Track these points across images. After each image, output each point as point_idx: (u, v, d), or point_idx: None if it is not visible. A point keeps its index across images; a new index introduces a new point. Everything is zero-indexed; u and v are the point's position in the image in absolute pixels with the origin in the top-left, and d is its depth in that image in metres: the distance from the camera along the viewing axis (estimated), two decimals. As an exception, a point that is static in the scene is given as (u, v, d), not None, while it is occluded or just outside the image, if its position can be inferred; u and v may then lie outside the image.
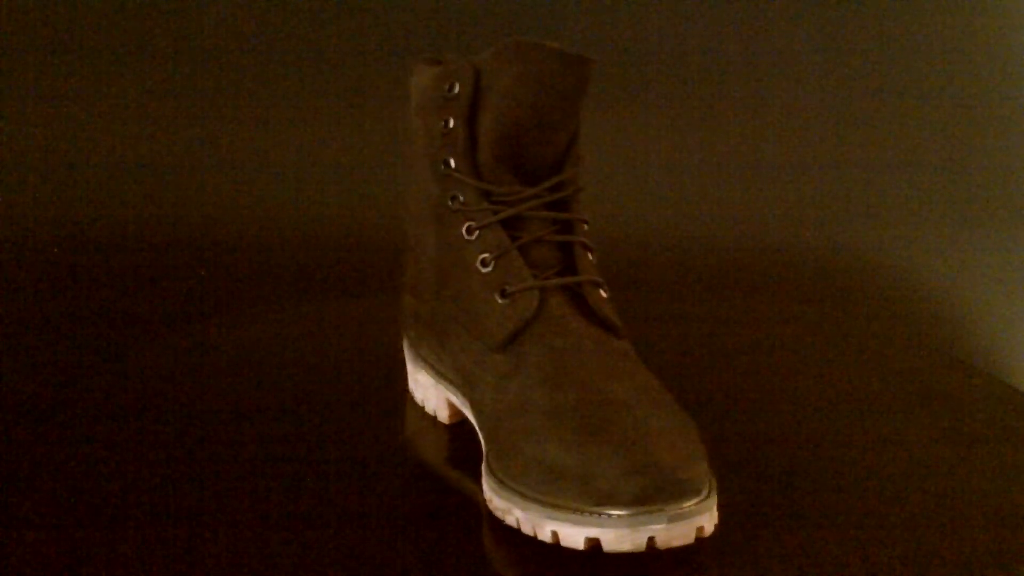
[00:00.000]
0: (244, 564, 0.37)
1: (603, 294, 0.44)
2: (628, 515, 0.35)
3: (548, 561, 0.37)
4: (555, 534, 0.36)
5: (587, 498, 0.35)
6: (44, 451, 0.47)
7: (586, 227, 0.45)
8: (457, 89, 0.44)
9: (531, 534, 0.37)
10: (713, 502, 0.36)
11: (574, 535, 0.35)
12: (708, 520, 0.36)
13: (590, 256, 0.45)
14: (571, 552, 0.36)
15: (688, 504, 0.35)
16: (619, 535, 0.35)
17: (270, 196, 0.92)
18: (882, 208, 0.95)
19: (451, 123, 0.45)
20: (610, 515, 0.35)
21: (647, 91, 0.93)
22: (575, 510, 0.36)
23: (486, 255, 0.44)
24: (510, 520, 0.38)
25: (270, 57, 0.91)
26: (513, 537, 0.38)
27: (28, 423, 0.51)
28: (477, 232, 0.44)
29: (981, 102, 0.94)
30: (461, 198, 0.45)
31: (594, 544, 0.35)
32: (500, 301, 0.43)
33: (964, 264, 0.96)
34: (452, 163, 0.45)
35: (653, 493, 0.35)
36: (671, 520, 0.34)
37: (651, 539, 0.34)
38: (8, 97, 0.89)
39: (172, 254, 0.89)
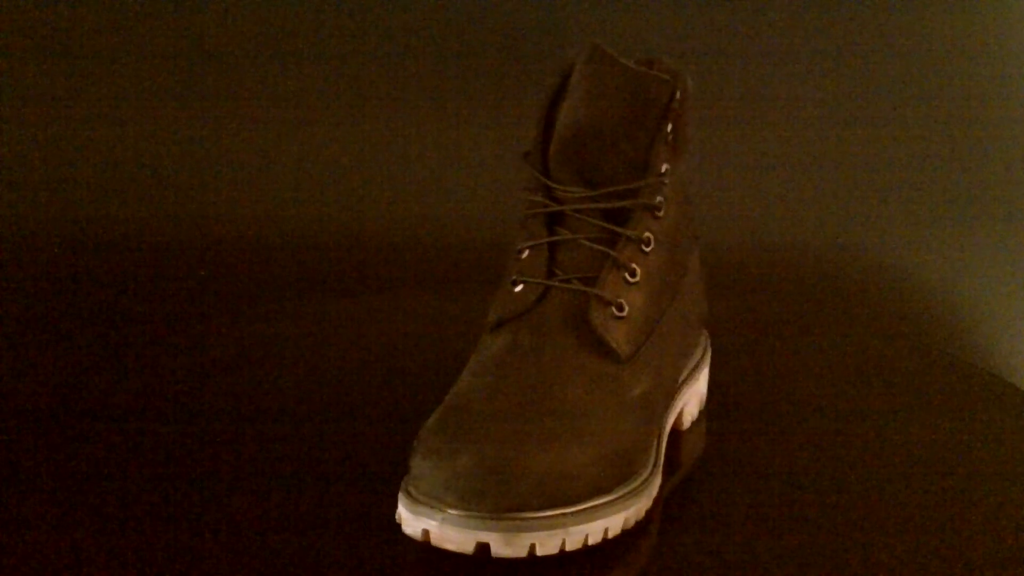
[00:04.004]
0: (244, 565, 0.37)
1: (614, 312, 0.42)
2: (414, 502, 0.36)
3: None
4: (397, 501, 0.38)
5: (409, 477, 0.37)
6: (44, 451, 0.47)
7: (645, 248, 0.44)
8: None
9: None
10: (534, 527, 0.35)
11: (397, 508, 0.37)
12: (501, 543, 0.35)
13: (626, 275, 0.43)
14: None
15: (471, 514, 0.35)
16: (407, 518, 0.36)
17: (270, 196, 0.92)
18: (882, 208, 0.95)
19: (538, 113, 0.45)
20: (409, 497, 0.36)
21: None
22: (405, 486, 0.37)
23: (522, 244, 0.44)
24: None
25: (270, 57, 0.91)
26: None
27: (28, 423, 0.51)
28: (529, 220, 0.44)
29: (981, 102, 0.94)
30: (530, 186, 0.45)
31: (399, 520, 0.37)
32: (510, 290, 0.44)
33: (964, 264, 0.96)
34: (531, 152, 0.46)
35: (440, 490, 0.35)
36: (443, 522, 0.35)
37: (426, 532, 0.35)
38: (8, 97, 0.89)
39: (172, 254, 0.89)
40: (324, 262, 0.91)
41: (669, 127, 0.44)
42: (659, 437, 0.44)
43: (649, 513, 0.41)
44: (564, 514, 0.36)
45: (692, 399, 0.52)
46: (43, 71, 0.89)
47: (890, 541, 0.40)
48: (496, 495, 0.35)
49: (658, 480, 0.42)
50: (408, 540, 0.36)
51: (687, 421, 0.51)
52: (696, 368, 0.51)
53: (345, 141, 0.93)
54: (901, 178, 0.95)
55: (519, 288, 0.43)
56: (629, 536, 0.39)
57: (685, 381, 0.50)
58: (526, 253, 0.44)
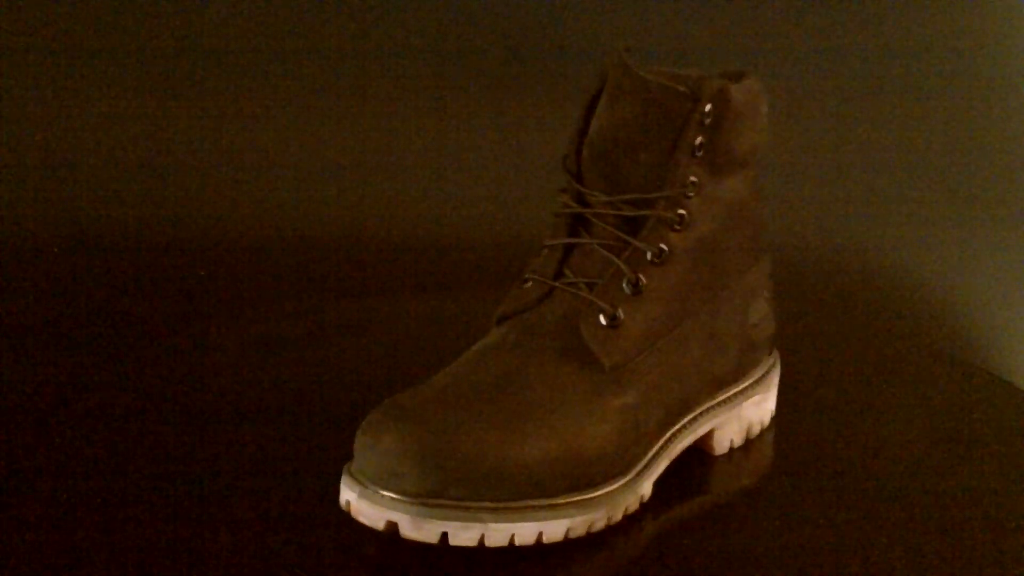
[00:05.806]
0: (243, 564, 0.37)
1: (608, 321, 0.41)
2: (346, 474, 0.37)
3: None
4: None
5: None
6: (44, 451, 0.47)
7: (656, 260, 0.42)
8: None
9: None
10: (446, 516, 0.35)
11: None
12: (409, 525, 0.35)
13: (629, 285, 0.42)
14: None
15: (385, 492, 0.36)
16: (341, 489, 0.38)
17: (270, 196, 0.92)
18: (882, 208, 0.95)
19: (576, 116, 0.46)
20: (345, 469, 0.38)
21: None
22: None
23: (544, 243, 0.45)
24: None
25: (270, 56, 0.91)
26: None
27: (28, 423, 0.51)
28: (556, 221, 0.45)
29: (981, 102, 0.94)
30: (563, 188, 0.46)
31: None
32: (520, 286, 0.44)
33: (964, 264, 0.96)
34: (568, 155, 0.46)
35: (365, 466, 0.37)
36: (360, 496, 0.36)
37: (348, 503, 0.37)
38: (8, 97, 0.89)
39: (172, 254, 0.89)
40: (324, 262, 0.91)
41: (699, 140, 0.43)
42: (656, 455, 0.43)
43: (615, 526, 0.40)
44: (485, 508, 0.36)
45: (730, 424, 0.48)
46: (43, 71, 0.89)
47: (890, 541, 0.40)
48: (412, 477, 0.35)
49: (635, 496, 0.41)
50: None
51: (722, 446, 0.48)
52: (741, 393, 0.48)
53: (345, 141, 0.93)
54: (901, 178, 0.95)
55: (527, 285, 0.44)
56: (602, 543, 0.39)
57: (721, 404, 0.47)
58: (544, 252, 0.45)
